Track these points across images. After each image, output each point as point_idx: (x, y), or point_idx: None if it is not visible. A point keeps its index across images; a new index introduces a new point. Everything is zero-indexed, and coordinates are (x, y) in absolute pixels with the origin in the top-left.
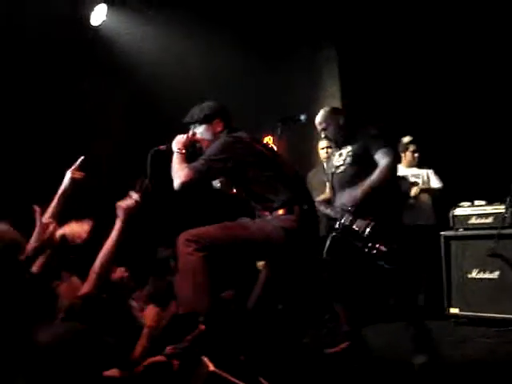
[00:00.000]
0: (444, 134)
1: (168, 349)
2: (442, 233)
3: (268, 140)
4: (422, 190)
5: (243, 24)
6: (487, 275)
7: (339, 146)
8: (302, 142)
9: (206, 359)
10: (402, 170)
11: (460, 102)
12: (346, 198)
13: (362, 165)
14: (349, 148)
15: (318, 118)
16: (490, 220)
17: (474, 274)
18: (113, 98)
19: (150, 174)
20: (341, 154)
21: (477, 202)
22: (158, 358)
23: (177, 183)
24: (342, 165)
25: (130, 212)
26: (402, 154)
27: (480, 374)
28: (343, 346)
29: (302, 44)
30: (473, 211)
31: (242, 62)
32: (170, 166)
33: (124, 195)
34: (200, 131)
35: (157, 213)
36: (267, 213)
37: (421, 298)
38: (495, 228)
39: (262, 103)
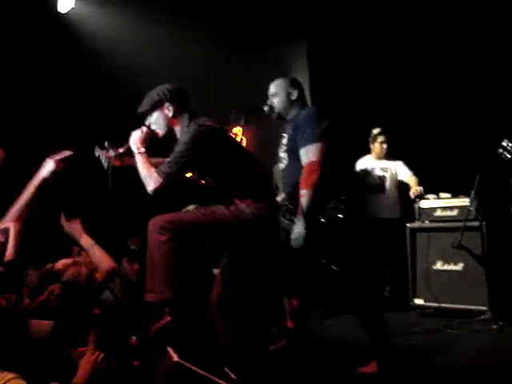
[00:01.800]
0: (411, 127)
1: (133, 339)
2: (407, 224)
3: (238, 131)
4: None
5: (212, 15)
6: (451, 267)
7: (281, 119)
8: (269, 134)
9: (170, 349)
10: (372, 161)
11: (428, 96)
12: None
13: (296, 160)
14: (285, 138)
15: (271, 85)
16: (455, 213)
17: (438, 266)
18: (78, 86)
19: (112, 183)
20: (283, 145)
21: (442, 195)
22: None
23: (149, 190)
24: (283, 159)
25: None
26: (371, 146)
27: (447, 364)
28: (283, 342)
29: (271, 37)
30: (438, 204)
31: (210, 54)
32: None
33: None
34: (153, 120)
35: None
36: (238, 201)
37: (387, 290)
38: (460, 220)
39: (229, 96)
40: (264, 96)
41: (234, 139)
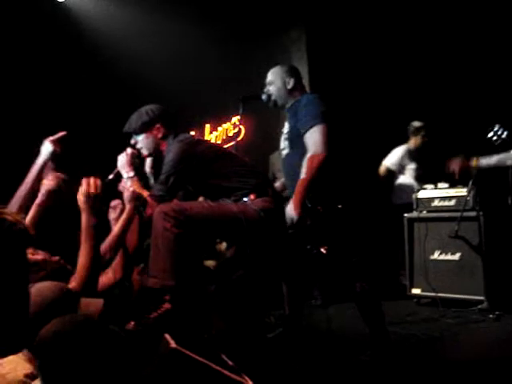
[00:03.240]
0: (409, 116)
1: (131, 324)
2: (405, 215)
3: (236, 120)
4: None
5: (210, 3)
6: (449, 257)
7: (279, 108)
8: (268, 122)
9: (167, 336)
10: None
11: (426, 85)
12: (289, 207)
13: (298, 148)
14: (286, 127)
15: (269, 72)
16: (452, 203)
17: (435, 256)
18: (75, 73)
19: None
20: (284, 134)
21: (440, 185)
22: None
23: (146, 215)
24: (284, 148)
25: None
26: (412, 138)
27: (443, 354)
28: (280, 330)
29: (270, 25)
30: (436, 194)
31: (209, 42)
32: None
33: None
34: (140, 139)
35: None
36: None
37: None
38: (457, 211)
39: (228, 84)
40: (262, 84)
41: (215, 144)
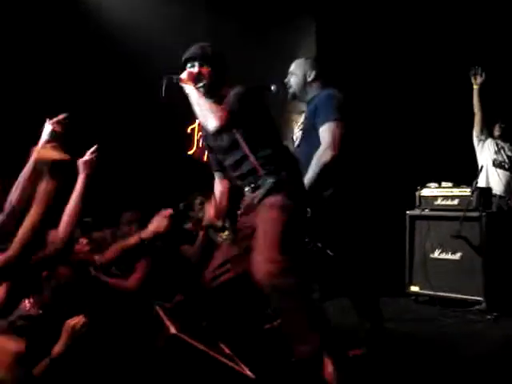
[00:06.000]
0: (416, 111)
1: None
2: (407, 212)
3: None
4: None
5: None
6: (449, 256)
7: (297, 99)
8: (276, 112)
9: (168, 322)
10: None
11: (434, 81)
12: None
13: (311, 140)
14: (303, 119)
15: (292, 63)
16: (455, 202)
17: (436, 254)
18: (99, 64)
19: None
20: (299, 124)
21: (444, 184)
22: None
23: (213, 125)
24: (296, 139)
25: (92, 166)
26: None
27: (439, 352)
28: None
29: (278, 14)
30: (439, 192)
31: (216, 31)
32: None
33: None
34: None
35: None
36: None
37: None
38: (460, 210)
39: (236, 74)
40: (270, 75)
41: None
